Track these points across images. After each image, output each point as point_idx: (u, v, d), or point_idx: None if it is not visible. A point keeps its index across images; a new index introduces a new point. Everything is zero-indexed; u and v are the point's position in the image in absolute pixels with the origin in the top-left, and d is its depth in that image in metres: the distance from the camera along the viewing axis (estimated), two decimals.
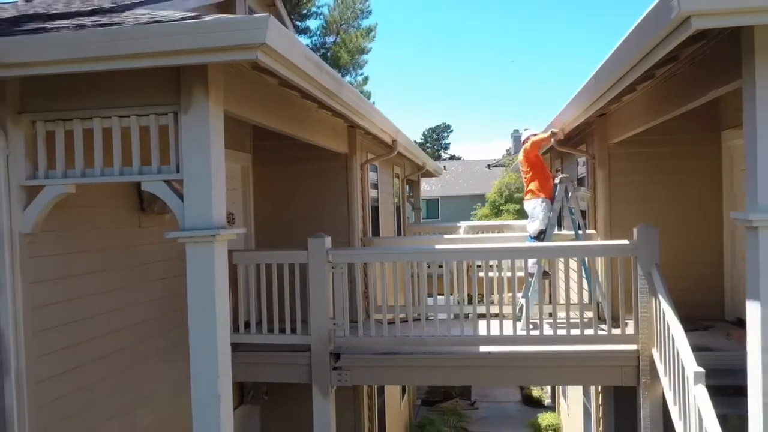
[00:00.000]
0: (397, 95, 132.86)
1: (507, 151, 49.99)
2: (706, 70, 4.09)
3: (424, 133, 73.48)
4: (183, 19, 3.59)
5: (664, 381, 5.48)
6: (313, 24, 22.36)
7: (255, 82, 4.44)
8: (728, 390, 5.32)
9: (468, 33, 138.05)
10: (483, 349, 6.25)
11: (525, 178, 7.48)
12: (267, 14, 3.13)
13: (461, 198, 43.38)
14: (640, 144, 7.18)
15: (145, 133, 3.86)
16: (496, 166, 45.10)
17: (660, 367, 5.62)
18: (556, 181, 7.30)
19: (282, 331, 6.38)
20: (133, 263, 5.28)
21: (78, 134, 3.92)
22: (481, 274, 6.28)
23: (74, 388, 4.43)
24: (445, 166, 46.15)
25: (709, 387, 4.45)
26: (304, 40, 22.20)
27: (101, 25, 3.83)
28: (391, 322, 6.44)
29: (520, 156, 7.70)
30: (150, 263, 5.53)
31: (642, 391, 5.88)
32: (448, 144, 74.12)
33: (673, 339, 5.07)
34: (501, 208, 34.03)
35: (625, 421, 6.98)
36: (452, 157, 66.99)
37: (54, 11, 6.17)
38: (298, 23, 17.21)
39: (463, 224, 12.25)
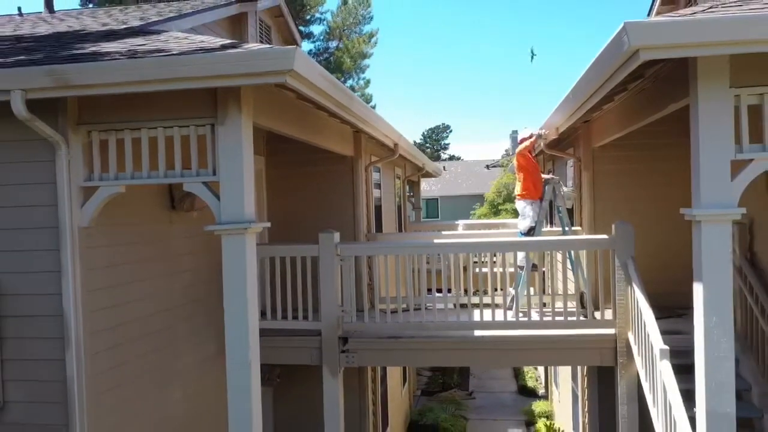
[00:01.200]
0: (397, 96, 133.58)
1: (506, 151, 50.60)
2: (665, 87, 4.76)
3: (423, 133, 74.17)
4: (223, 47, 4.28)
5: (638, 360, 6.15)
6: (316, 29, 23.12)
7: (277, 97, 5.11)
8: (685, 369, 6.02)
9: (467, 33, 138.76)
10: (477, 333, 6.93)
11: (517, 179, 8.15)
12: (294, 47, 3.82)
13: (461, 198, 44.02)
14: (622, 147, 7.84)
15: (186, 141, 4.53)
16: (494, 166, 45.72)
17: (634, 348, 6.29)
18: (546, 178, 7.99)
19: (295, 317, 7.06)
20: (166, 255, 5.96)
21: (128, 142, 4.60)
22: (477, 270, 6.96)
23: (120, 362, 5.11)
24: (444, 167, 46.79)
25: (677, 366, 5.05)
26: (308, 45, 22.91)
27: (150, 51, 4.51)
28: (393, 312, 7.12)
29: (514, 159, 8.38)
30: (179, 255, 6.21)
31: (619, 371, 6.55)
32: (448, 144, 74.81)
33: (644, 323, 5.73)
34: (500, 207, 34.69)
35: (606, 400, 7.64)
36: (452, 158, 67.64)
37: (92, 29, 6.83)
38: (302, 28, 17.87)
39: (461, 222, 12.92)
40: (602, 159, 8.08)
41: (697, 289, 4.14)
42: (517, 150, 8.04)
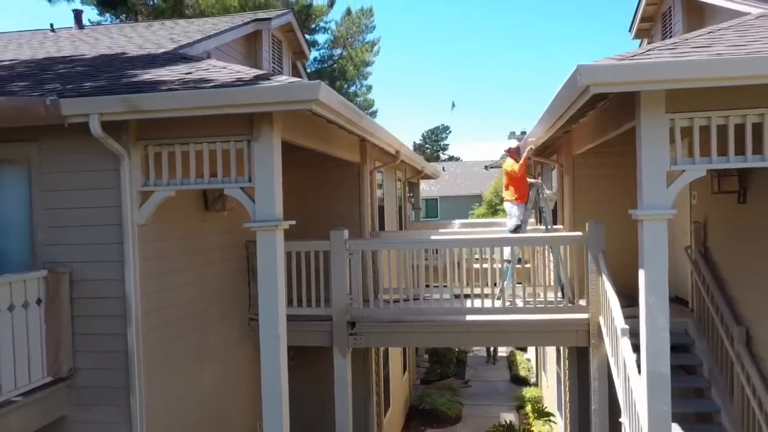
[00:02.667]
0: (397, 96, 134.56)
1: (504, 152, 51.45)
2: (621, 109, 5.73)
3: (423, 134, 75.19)
4: (256, 77, 5.27)
5: (606, 341, 7.14)
6: (321, 38, 24.21)
7: (299, 116, 6.09)
8: None
9: (467, 33, 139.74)
10: (469, 318, 7.92)
11: (504, 184, 9.14)
12: (319, 81, 4.82)
13: (459, 198, 44.96)
14: (599, 155, 8.82)
15: (226, 154, 5.52)
16: (493, 167, 46.55)
17: (604, 330, 7.29)
18: (530, 182, 8.98)
19: (309, 305, 8.05)
20: (200, 249, 6.95)
21: (177, 155, 5.59)
22: (471, 266, 7.93)
23: (167, 338, 6.10)
24: (443, 167, 47.76)
25: (636, 345, 5.95)
26: (313, 53, 23.91)
27: (197, 81, 5.50)
28: (395, 301, 8.11)
29: (504, 167, 9.35)
30: (211, 249, 7.20)
31: (592, 350, 7.55)
32: (447, 145, 75.84)
33: (611, 308, 6.72)
34: (498, 207, 35.64)
35: (584, 379, 8.61)
36: (451, 158, 68.63)
37: (131, 51, 7.81)
38: (307, 36, 18.86)
39: (457, 221, 13.91)
40: (581, 165, 9.07)
41: (641, 275, 5.11)
42: (506, 171, 9.01)
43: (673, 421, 6.56)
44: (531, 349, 17.72)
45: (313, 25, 23.45)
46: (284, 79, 5.22)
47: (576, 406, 9.01)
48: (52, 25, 12.02)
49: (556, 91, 5.76)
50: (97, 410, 5.63)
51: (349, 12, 24.83)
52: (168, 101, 5.05)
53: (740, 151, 4.85)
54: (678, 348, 7.55)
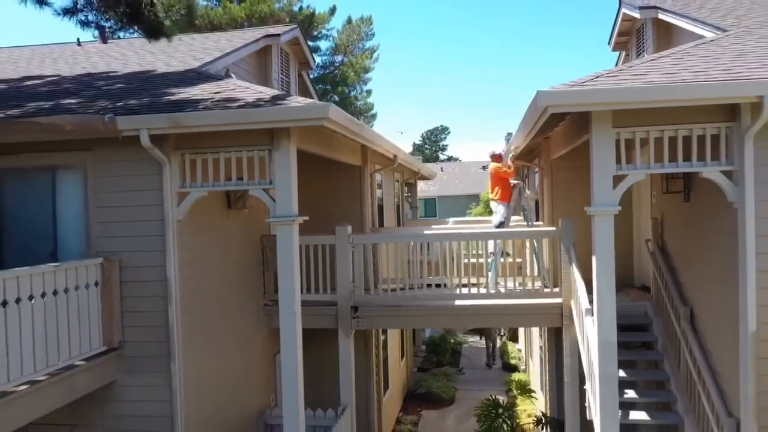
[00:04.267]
0: (397, 98, 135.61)
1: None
2: (581, 122, 6.81)
3: (422, 135, 76.35)
4: (275, 98, 6.37)
5: (576, 321, 8.22)
6: (323, 45, 25.44)
7: (310, 129, 7.16)
8: (620, 327, 8.09)
9: (465, 34, 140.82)
10: (458, 302, 9.01)
11: (491, 185, 10.26)
12: (329, 103, 5.91)
13: (457, 197, 46.07)
14: (573, 159, 9.87)
15: (251, 161, 6.62)
16: None
17: (574, 312, 8.38)
18: (513, 183, 10.09)
19: (317, 291, 9.13)
20: (223, 241, 8.03)
21: (209, 162, 6.68)
22: (464, 261, 9.03)
23: (198, 317, 7.18)
24: (442, 168, 48.89)
25: None
26: (316, 59, 25.09)
27: (225, 99, 6.60)
28: (393, 290, 9.20)
29: (490, 170, 10.46)
30: (232, 242, 8.29)
31: (564, 330, 8.65)
32: (446, 146, 77.05)
33: (579, 294, 7.80)
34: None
35: (560, 357, 9.72)
36: (450, 159, 69.76)
37: (160, 68, 8.90)
38: (310, 43, 19.97)
39: (452, 219, 15.03)
40: (558, 168, 10.17)
41: (594, 261, 6.19)
42: (491, 167, 10.14)
43: (634, 389, 7.73)
44: (522, 340, 18.82)
45: (315, 32, 24.59)
46: (301, 100, 6.32)
47: (554, 382, 10.13)
48: (78, 39, 13.14)
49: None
50: (143, 376, 6.73)
51: (349, 20, 26.04)
52: (205, 119, 6.15)
53: (673, 158, 5.95)
54: (639, 328, 8.69)
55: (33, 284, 5.46)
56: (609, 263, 6.07)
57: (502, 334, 16.57)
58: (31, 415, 5.48)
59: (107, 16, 6.19)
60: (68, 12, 6.29)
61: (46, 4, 6.17)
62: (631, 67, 6.37)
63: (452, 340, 19.28)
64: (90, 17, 6.18)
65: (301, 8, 22.72)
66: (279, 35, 12.05)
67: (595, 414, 6.53)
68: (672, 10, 9.99)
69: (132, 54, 10.92)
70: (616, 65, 13.75)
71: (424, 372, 16.91)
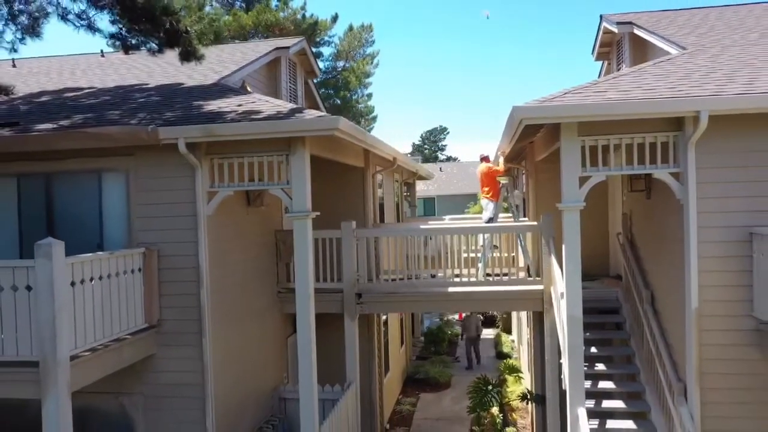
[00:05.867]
0: (396, 98, 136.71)
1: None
2: (554, 131, 7.90)
3: (422, 135, 77.44)
4: (292, 110, 7.47)
5: (555, 305, 9.31)
6: (326, 51, 26.67)
7: (321, 137, 8.27)
8: (592, 311, 9.19)
9: (465, 34, 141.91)
10: (451, 289, 10.11)
11: (481, 184, 11.36)
12: (339, 117, 7.01)
13: (456, 197, 47.05)
14: (555, 161, 10.77)
15: (271, 164, 7.71)
16: None
17: (553, 297, 9.47)
18: (501, 182, 11.19)
19: (325, 280, 10.22)
20: (243, 234, 9.13)
21: (235, 165, 7.78)
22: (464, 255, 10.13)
23: (225, 299, 8.27)
24: (441, 168, 49.94)
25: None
26: (319, 64, 26.26)
27: (248, 112, 7.69)
28: (393, 280, 10.30)
29: (480, 170, 11.54)
30: (250, 235, 9.39)
31: (545, 314, 9.75)
32: (445, 146, 78.16)
33: (556, 281, 8.89)
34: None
35: (543, 339, 10.81)
36: (449, 159, 70.86)
37: (185, 82, 9.98)
38: (313, 49, 21.09)
39: (447, 217, 16.13)
40: (542, 170, 11.27)
41: (564, 248, 7.27)
42: (481, 168, 11.24)
43: (604, 362, 8.82)
44: (515, 331, 19.93)
45: (318, 39, 25.70)
46: (315, 113, 7.43)
47: (538, 362, 11.22)
48: (102, 51, 14.24)
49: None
50: (177, 349, 7.82)
51: (351, 28, 27.23)
52: (233, 129, 7.25)
53: (630, 162, 7.04)
54: (611, 311, 9.80)
55: (93, 268, 6.56)
56: (576, 250, 7.15)
57: (479, 334, 17.60)
58: (92, 376, 6.58)
59: (148, 41, 7.22)
60: (114, 36, 7.37)
61: (98, 30, 7.24)
62: (596, 84, 7.47)
63: (449, 332, 20.39)
64: (133, 42, 7.21)
65: (304, 17, 23.86)
66: (288, 48, 13.14)
67: (564, 381, 7.62)
68: (644, 26, 11.10)
69: (155, 66, 12.00)
70: (600, 74, 14.88)
71: (422, 360, 18.01)
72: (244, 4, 21.30)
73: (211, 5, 21.58)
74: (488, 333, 21.47)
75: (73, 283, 6.20)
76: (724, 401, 6.76)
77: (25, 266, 5.99)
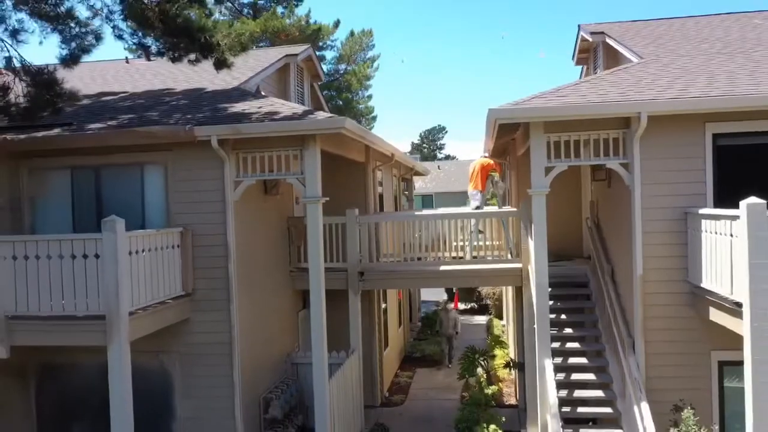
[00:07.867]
0: (396, 98, 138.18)
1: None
2: (527, 129, 9.34)
3: (420, 134, 78.95)
4: (305, 112, 8.93)
5: (531, 280, 10.73)
6: (328, 54, 28.30)
7: (329, 134, 9.70)
8: (566, 285, 10.63)
9: (464, 34, 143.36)
10: (443, 268, 11.55)
11: (471, 176, 12.81)
12: (345, 117, 8.45)
13: (454, 194, 48.40)
14: None
15: (287, 157, 9.15)
16: None
17: (530, 274, 10.90)
18: (495, 177, 12.66)
19: (332, 260, 11.66)
20: (262, 220, 10.57)
21: (257, 158, 9.21)
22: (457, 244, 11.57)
23: (248, 273, 9.70)
24: (439, 165, 51.38)
25: (557, 285, 9.52)
26: (323, 67, 27.80)
27: (268, 113, 9.14)
28: (391, 262, 11.75)
29: (475, 166, 12.97)
30: (268, 221, 10.84)
31: (523, 289, 11.20)
32: (443, 144, 79.75)
33: (532, 260, 10.29)
34: (489, 202, 39.15)
35: (521, 311, 12.23)
36: (447, 157, 72.31)
37: (209, 87, 11.43)
38: (316, 52, 22.57)
39: (441, 209, 17.59)
40: (523, 163, 12.68)
41: (532, 227, 8.70)
42: (481, 161, 12.71)
43: (573, 327, 10.24)
44: (506, 317, 21.34)
45: (321, 43, 27.18)
46: (324, 114, 8.88)
47: (519, 333, 12.66)
48: (127, 58, 15.67)
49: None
50: (209, 314, 9.25)
51: (352, 33, 28.80)
52: (257, 128, 8.70)
53: (587, 154, 8.46)
54: (581, 284, 11.23)
55: (144, 242, 8.00)
56: (542, 228, 8.57)
57: (457, 332, 18.68)
58: (144, 330, 8.02)
59: (188, 54, 8.65)
60: (160, 53, 8.82)
61: (147, 46, 8.66)
62: (559, 89, 8.92)
63: None
64: (176, 55, 8.63)
65: (308, 23, 25.32)
66: (296, 55, 14.58)
67: (536, 340, 9.05)
68: (614, 36, 12.55)
69: (178, 72, 13.41)
70: (580, 76, 16.32)
71: (419, 341, 19.43)
72: (251, 12, 22.73)
73: (221, 13, 23.01)
74: (481, 320, 22.89)
75: (130, 253, 7.63)
76: (664, 352, 8.19)
77: (94, 239, 7.44)
